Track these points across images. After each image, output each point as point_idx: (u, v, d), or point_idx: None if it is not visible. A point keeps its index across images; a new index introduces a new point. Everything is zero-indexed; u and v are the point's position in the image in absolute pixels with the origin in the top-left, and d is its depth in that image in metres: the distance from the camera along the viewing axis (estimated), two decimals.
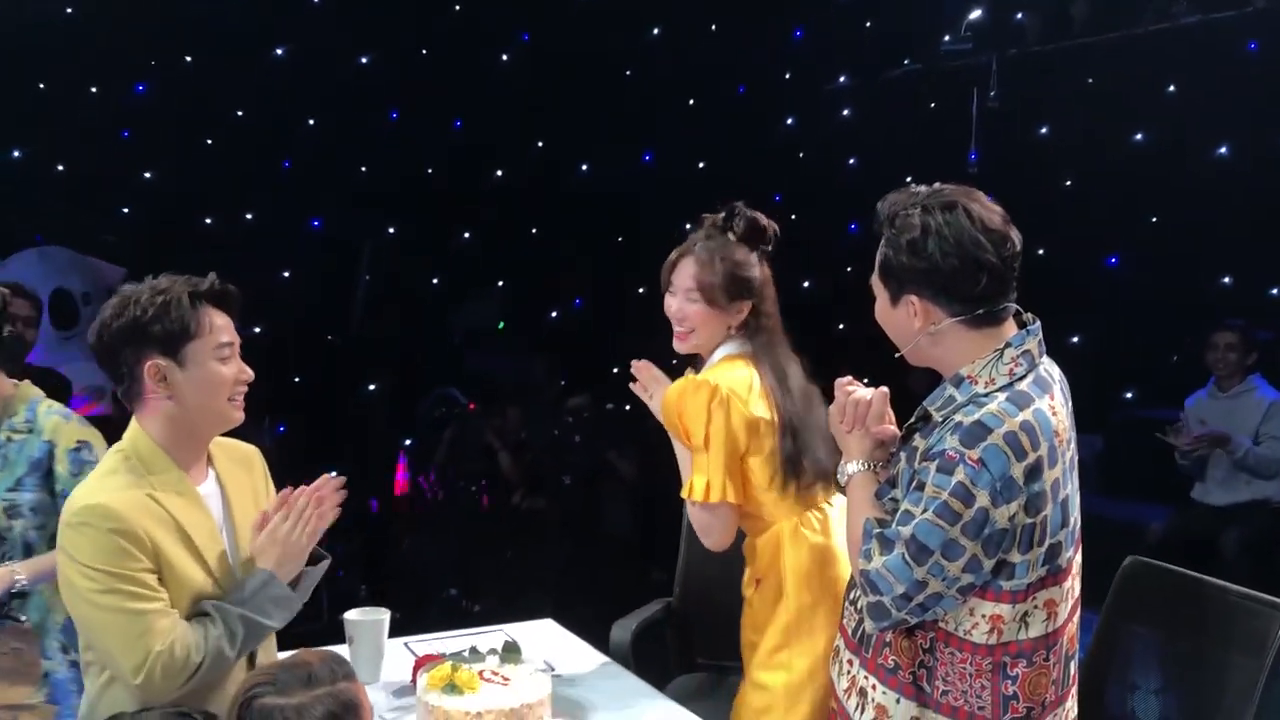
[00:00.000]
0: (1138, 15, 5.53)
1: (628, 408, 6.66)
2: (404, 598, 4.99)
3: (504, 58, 6.63)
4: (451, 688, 2.08)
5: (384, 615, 2.33)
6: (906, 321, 1.83)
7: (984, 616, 1.78)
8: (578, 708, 2.18)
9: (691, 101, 6.78)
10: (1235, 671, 1.96)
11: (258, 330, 6.22)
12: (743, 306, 2.30)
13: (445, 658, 2.20)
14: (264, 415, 5.44)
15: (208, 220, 6.14)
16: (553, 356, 6.69)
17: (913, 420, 1.90)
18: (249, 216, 6.20)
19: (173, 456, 1.95)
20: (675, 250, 2.34)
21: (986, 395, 1.77)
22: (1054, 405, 1.80)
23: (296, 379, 6.18)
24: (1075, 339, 6.00)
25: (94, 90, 5.68)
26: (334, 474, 2.02)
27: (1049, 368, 1.87)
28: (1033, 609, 1.79)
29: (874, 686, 1.86)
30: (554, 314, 6.88)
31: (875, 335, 1.98)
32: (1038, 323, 1.86)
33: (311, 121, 6.29)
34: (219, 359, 1.94)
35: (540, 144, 6.73)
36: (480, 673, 2.13)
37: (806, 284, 6.44)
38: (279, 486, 2.07)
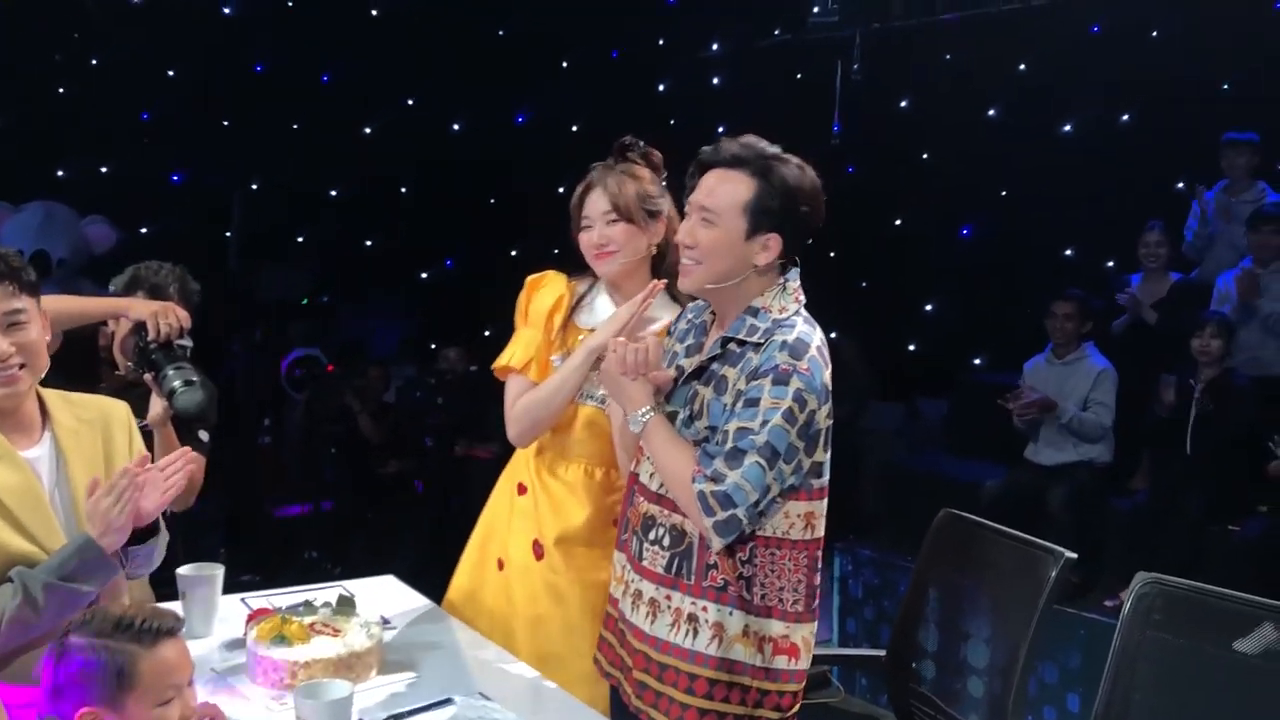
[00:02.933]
0: None
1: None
2: (264, 560, 4.95)
3: (374, 12, 6.53)
4: (280, 639, 2.11)
5: (217, 570, 2.33)
6: (750, 255, 1.95)
7: (799, 515, 1.95)
8: (408, 658, 2.22)
9: (565, 64, 6.78)
10: (1021, 611, 2.13)
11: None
12: (658, 227, 2.35)
13: (278, 611, 2.23)
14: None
15: (60, 173, 5.93)
16: (421, 317, 6.66)
17: (713, 354, 2.01)
18: (104, 170, 6.01)
19: None
20: (577, 189, 2.35)
21: (788, 319, 1.96)
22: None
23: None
24: (929, 306, 6.24)
25: None
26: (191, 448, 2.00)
27: None
28: (823, 503, 1.99)
29: (704, 609, 1.96)
30: (424, 274, 6.85)
31: None
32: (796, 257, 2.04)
33: (171, 73, 6.11)
34: None
35: (410, 101, 6.66)
36: (311, 625, 2.16)
37: None
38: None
